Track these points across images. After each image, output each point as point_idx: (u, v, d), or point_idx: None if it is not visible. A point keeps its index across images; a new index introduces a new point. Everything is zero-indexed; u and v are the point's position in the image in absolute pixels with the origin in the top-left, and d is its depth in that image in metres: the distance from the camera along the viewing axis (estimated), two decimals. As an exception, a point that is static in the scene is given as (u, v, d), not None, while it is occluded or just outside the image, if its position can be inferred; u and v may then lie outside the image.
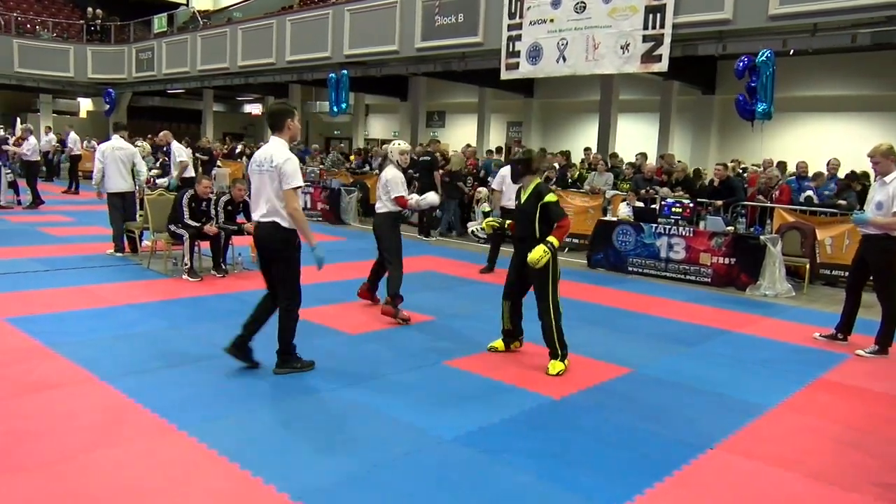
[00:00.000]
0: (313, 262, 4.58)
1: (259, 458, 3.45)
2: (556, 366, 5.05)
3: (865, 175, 10.61)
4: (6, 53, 23.52)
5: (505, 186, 8.79)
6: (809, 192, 9.96)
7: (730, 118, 15.68)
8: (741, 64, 10.60)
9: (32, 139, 14.94)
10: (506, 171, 8.96)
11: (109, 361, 4.80)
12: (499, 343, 5.52)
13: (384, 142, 20.62)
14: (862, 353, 6.02)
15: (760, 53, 10.44)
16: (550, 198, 5.10)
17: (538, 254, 4.92)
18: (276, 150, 4.50)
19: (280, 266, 4.60)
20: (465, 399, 4.47)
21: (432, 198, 6.73)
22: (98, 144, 15.99)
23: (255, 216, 4.64)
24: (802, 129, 15.29)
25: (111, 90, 24.65)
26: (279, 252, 4.57)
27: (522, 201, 5.24)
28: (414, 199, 6.52)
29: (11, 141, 20.24)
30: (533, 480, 3.39)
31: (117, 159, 8.96)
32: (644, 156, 13.16)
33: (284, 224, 4.51)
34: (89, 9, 26.37)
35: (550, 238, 5.00)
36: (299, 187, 4.52)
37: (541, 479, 3.41)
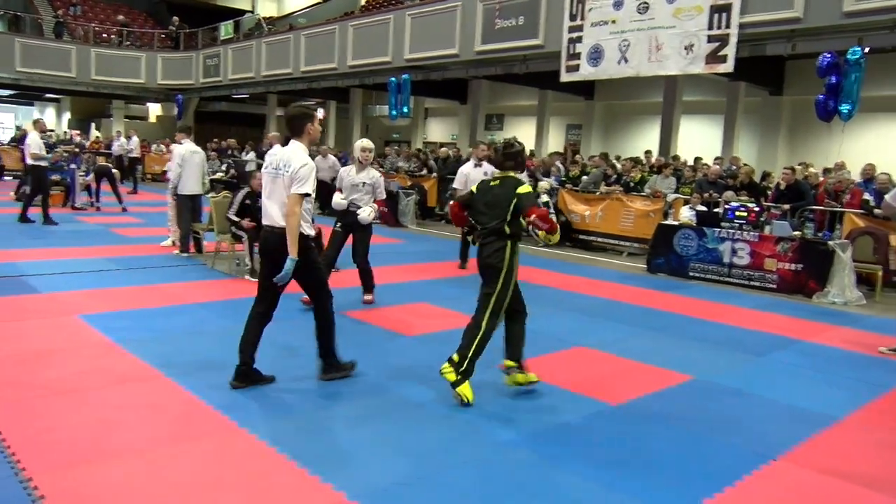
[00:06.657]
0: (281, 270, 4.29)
1: (317, 457, 3.50)
2: None
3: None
4: (85, 62, 24.67)
5: None
6: (867, 196, 9.53)
7: (800, 120, 15.22)
8: (824, 61, 10.22)
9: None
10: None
11: (180, 358, 4.97)
12: None
13: (443, 145, 20.69)
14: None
15: (851, 51, 10.05)
16: None
17: None
18: (294, 155, 4.31)
19: (302, 271, 4.36)
20: (527, 404, 4.46)
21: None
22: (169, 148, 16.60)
23: (267, 222, 4.43)
24: (880, 130, 14.67)
25: (180, 96, 25.49)
26: (300, 259, 4.31)
27: None
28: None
29: (87, 145, 21.11)
30: (594, 487, 3.37)
31: (195, 163, 9.28)
32: (721, 160, 12.82)
33: (304, 230, 4.33)
34: (175, 18, 27.29)
35: None
36: (307, 195, 4.28)
37: (602, 486, 3.38)
